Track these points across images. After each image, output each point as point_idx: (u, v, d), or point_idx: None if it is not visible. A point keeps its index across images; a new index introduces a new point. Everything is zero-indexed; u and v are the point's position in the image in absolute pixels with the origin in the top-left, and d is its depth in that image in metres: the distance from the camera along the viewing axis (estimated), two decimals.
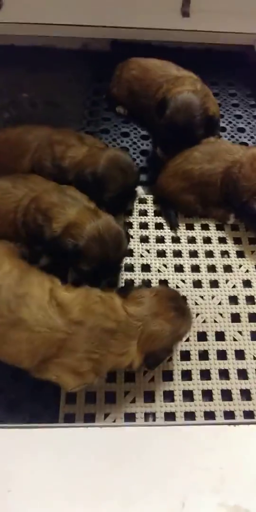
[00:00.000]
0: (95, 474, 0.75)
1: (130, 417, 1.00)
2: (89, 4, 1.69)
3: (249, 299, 1.18)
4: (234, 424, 0.82)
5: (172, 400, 1.02)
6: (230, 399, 1.02)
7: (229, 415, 1.00)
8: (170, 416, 1.00)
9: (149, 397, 1.03)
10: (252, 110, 1.71)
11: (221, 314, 1.14)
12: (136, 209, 1.37)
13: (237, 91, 1.78)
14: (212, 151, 1.29)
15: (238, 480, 0.74)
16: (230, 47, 1.85)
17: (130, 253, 1.25)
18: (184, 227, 1.33)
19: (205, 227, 1.34)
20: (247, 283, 1.22)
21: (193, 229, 1.33)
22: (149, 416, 1.01)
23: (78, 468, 0.76)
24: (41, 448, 0.78)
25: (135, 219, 1.34)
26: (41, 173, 1.22)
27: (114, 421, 0.99)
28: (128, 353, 0.88)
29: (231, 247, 1.29)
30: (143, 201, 1.39)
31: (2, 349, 0.88)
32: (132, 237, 1.27)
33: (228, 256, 1.27)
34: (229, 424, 0.82)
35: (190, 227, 1.34)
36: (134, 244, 1.27)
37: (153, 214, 1.36)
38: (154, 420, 1.00)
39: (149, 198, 1.40)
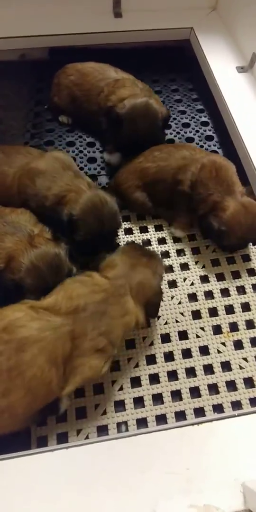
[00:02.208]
0: (65, 496, 0.75)
1: (102, 430, 0.99)
2: (24, 14, 1.66)
3: (208, 294, 1.21)
4: (198, 423, 0.84)
5: (143, 405, 1.03)
6: (199, 395, 1.04)
7: (199, 411, 1.02)
8: (142, 422, 1.01)
9: (120, 406, 1.03)
10: (195, 104, 1.74)
11: (182, 313, 1.16)
12: None
13: (179, 87, 1.80)
14: (172, 150, 1.29)
15: (205, 478, 0.76)
16: (167, 43, 1.87)
17: None
18: (138, 230, 1.34)
19: (159, 228, 1.35)
20: (204, 279, 1.24)
21: (147, 231, 1.34)
22: (122, 425, 1.01)
23: (49, 493, 0.76)
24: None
25: None
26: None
27: (87, 437, 0.98)
28: (128, 311, 0.91)
29: (186, 245, 1.31)
30: None
31: (24, 382, 0.82)
32: None
33: (184, 254, 1.29)
34: (193, 424, 0.84)
35: (144, 229, 1.34)
36: None
37: None
38: (126, 429, 1.00)
39: None
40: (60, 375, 0.84)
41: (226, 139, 1.51)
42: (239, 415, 0.88)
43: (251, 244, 1.30)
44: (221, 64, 1.66)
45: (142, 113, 1.29)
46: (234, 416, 0.87)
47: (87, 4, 1.70)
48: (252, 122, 1.44)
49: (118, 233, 1.28)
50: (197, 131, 1.63)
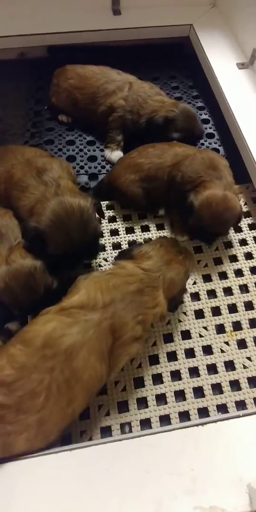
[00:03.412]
0: (69, 497, 0.75)
1: (106, 431, 0.99)
2: (22, 13, 1.65)
3: (211, 293, 1.20)
4: (202, 424, 0.83)
5: (146, 406, 1.02)
6: (203, 395, 1.03)
7: (203, 412, 1.01)
8: (146, 423, 1.00)
9: (123, 407, 1.02)
10: (196, 101, 1.73)
11: (184, 313, 1.15)
12: None
13: (179, 84, 1.79)
14: (166, 148, 1.29)
15: (210, 479, 0.75)
16: (167, 40, 1.86)
17: None
18: (124, 232, 1.33)
19: (160, 227, 1.34)
20: (207, 278, 1.23)
21: (134, 232, 1.33)
22: (125, 426, 1.00)
23: (52, 494, 0.76)
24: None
25: None
26: None
27: (90, 438, 0.98)
28: (159, 303, 0.93)
29: (187, 243, 1.29)
30: None
31: (83, 386, 0.83)
32: None
33: None
34: (197, 425, 0.83)
35: (130, 230, 1.33)
36: None
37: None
38: (130, 429, 1.00)
39: None
40: (107, 367, 0.86)
41: (227, 137, 1.50)
42: (244, 415, 0.87)
43: (254, 241, 1.29)
44: (221, 60, 1.65)
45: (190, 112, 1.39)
46: (238, 416, 0.87)
47: (86, 2, 1.69)
48: (253, 119, 1.43)
49: (97, 240, 1.12)
50: None
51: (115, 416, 1.00)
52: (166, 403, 1.02)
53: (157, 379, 1.06)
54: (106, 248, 1.28)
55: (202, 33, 1.76)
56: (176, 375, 1.06)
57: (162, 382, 1.05)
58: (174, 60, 1.87)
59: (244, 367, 1.07)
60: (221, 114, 1.56)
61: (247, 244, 1.29)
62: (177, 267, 0.99)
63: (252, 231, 1.32)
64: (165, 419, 1.01)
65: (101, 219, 1.17)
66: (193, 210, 1.15)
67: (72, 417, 0.84)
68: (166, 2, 1.74)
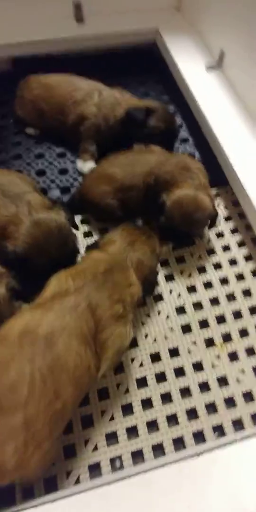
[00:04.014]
0: None
1: (94, 468, 0.90)
2: None
3: (197, 306, 1.13)
4: (197, 454, 0.76)
5: (137, 435, 0.94)
6: (197, 416, 0.96)
7: (198, 435, 0.94)
8: (138, 455, 0.92)
9: (112, 438, 0.94)
10: (167, 107, 1.68)
11: (171, 329, 1.08)
12: None
13: (150, 90, 1.75)
14: (138, 156, 1.24)
15: None
16: (135, 46, 1.81)
17: None
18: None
19: None
20: (191, 289, 1.17)
21: None
22: (116, 461, 0.92)
23: None
24: None
25: None
26: None
27: (78, 479, 0.88)
28: (133, 282, 0.91)
29: (169, 254, 1.23)
30: None
31: (70, 375, 0.76)
32: None
33: (168, 264, 1.21)
34: (192, 456, 0.76)
35: None
36: None
37: None
38: (121, 464, 0.91)
39: None
40: (94, 354, 0.80)
41: (202, 141, 1.46)
42: (241, 439, 0.80)
43: (237, 246, 1.24)
44: (189, 64, 1.62)
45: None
46: (235, 441, 0.80)
47: (47, 11, 1.62)
48: (226, 121, 1.39)
49: (76, 253, 1.09)
50: None
51: (104, 450, 0.92)
52: (158, 429, 0.95)
53: (147, 404, 0.98)
54: None
55: (169, 37, 1.72)
56: (166, 398, 0.99)
57: (152, 407, 0.97)
58: (143, 66, 1.82)
59: (238, 381, 1.01)
60: (194, 118, 1.51)
61: (231, 250, 1.24)
62: (142, 247, 0.98)
63: (235, 234, 1.27)
64: (158, 448, 0.93)
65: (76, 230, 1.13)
66: (165, 210, 1.11)
67: (64, 415, 0.76)
68: (130, 7, 1.70)
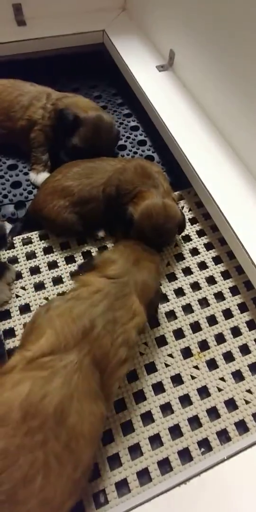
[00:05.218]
0: None
1: (76, 508, 0.82)
2: None
3: (170, 315, 1.09)
4: (185, 481, 0.71)
5: (120, 464, 0.87)
6: (181, 434, 0.91)
7: (184, 454, 0.89)
8: (122, 485, 0.85)
9: (93, 471, 0.86)
10: (122, 108, 1.63)
11: (145, 343, 1.02)
12: None
13: (102, 93, 1.69)
14: (92, 165, 1.18)
15: None
16: (84, 49, 1.74)
17: None
18: (64, 262, 1.17)
19: (87, 254, 1.20)
20: (163, 298, 1.12)
21: (75, 260, 1.18)
22: (99, 495, 0.84)
23: None
24: None
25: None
26: None
27: None
28: (136, 312, 0.82)
29: None
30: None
31: (86, 440, 0.69)
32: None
33: None
34: (180, 484, 0.71)
35: (70, 259, 1.18)
36: None
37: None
38: (105, 498, 0.84)
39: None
40: (103, 399, 0.74)
41: (160, 143, 1.42)
42: (228, 457, 0.77)
43: (205, 249, 1.21)
44: (140, 65, 1.58)
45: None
46: (223, 460, 0.76)
47: None
48: (181, 121, 1.37)
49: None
50: (128, 137, 1.52)
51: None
52: (142, 454, 0.88)
53: (127, 427, 0.91)
54: (45, 286, 1.11)
55: (117, 38, 1.68)
56: (147, 417, 0.93)
57: (133, 430, 0.91)
58: (94, 69, 1.76)
59: (219, 390, 0.97)
60: (150, 119, 1.47)
61: (199, 253, 1.21)
62: (147, 265, 0.88)
63: (202, 237, 1.25)
64: (143, 475, 0.86)
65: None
66: (133, 223, 1.05)
67: (84, 478, 0.71)
68: (73, 9, 1.63)
